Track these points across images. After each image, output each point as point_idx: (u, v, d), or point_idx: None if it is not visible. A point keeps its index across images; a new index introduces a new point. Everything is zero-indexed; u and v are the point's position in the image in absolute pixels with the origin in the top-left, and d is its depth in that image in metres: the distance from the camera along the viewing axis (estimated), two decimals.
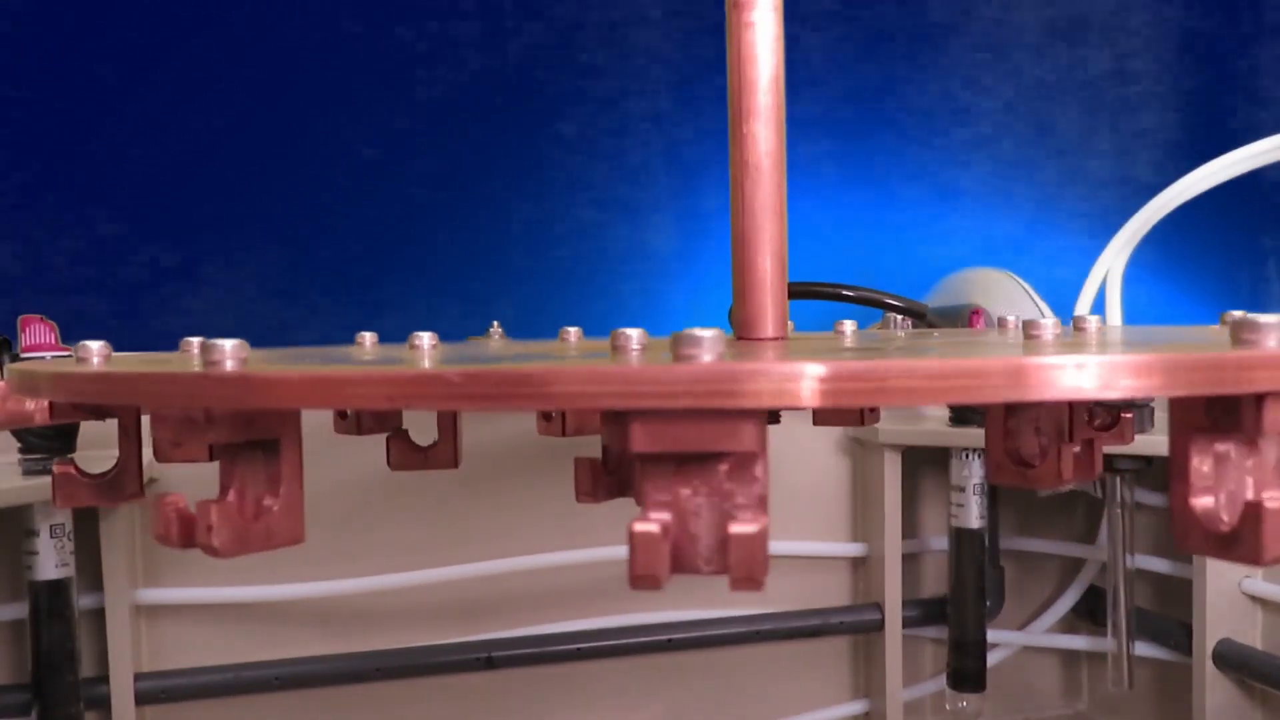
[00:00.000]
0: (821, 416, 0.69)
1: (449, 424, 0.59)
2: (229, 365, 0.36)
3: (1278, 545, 0.32)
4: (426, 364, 0.36)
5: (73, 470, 0.47)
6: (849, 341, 0.52)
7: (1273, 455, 0.35)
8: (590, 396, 0.30)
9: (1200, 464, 0.35)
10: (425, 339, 0.52)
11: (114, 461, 0.49)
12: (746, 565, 0.31)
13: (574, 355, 0.44)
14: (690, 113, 1.82)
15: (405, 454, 0.60)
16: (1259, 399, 0.32)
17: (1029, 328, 0.43)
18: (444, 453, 0.59)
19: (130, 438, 0.49)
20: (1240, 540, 0.33)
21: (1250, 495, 0.35)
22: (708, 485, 0.33)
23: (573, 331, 0.65)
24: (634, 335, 0.38)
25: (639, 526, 0.31)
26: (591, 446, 0.55)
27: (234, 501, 0.39)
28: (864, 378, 0.29)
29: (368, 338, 0.64)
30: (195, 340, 0.51)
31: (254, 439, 0.39)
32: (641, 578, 0.31)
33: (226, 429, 0.38)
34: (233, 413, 0.38)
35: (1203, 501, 0.35)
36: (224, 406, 0.36)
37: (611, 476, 0.50)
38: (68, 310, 1.58)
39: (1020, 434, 0.50)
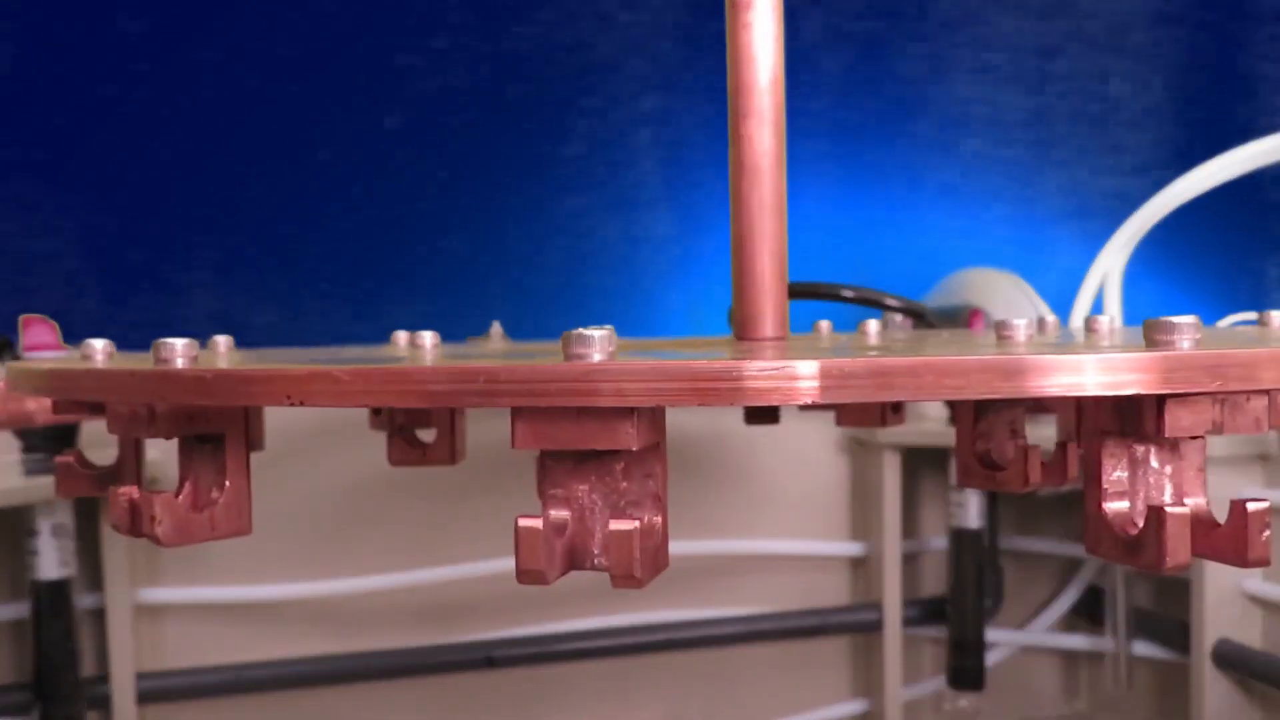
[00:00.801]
0: (844, 417, 0.69)
1: (447, 422, 0.59)
2: (179, 363, 0.38)
3: (1181, 551, 0.32)
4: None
5: (74, 461, 0.48)
6: (825, 342, 0.52)
7: (1193, 461, 0.35)
8: (472, 395, 0.31)
9: (1113, 468, 0.35)
10: (427, 338, 0.52)
11: (114, 459, 0.49)
12: (626, 562, 0.31)
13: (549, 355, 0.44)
14: (691, 112, 1.82)
15: (405, 451, 0.60)
16: (1159, 401, 0.32)
17: (1000, 328, 0.43)
18: (443, 450, 0.60)
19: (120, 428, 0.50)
20: (1144, 546, 0.33)
21: (1168, 500, 0.34)
22: (603, 483, 0.33)
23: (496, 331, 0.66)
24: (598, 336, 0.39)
25: (524, 522, 0.32)
26: None
27: (187, 494, 0.40)
28: (723, 377, 0.30)
29: (402, 336, 0.64)
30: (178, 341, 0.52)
31: (202, 434, 0.40)
32: (527, 573, 0.32)
33: (168, 424, 0.39)
34: (174, 409, 0.39)
35: (1115, 506, 0.34)
36: (173, 402, 0.38)
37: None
38: (68, 310, 1.58)
39: (993, 435, 0.49)
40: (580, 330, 0.32)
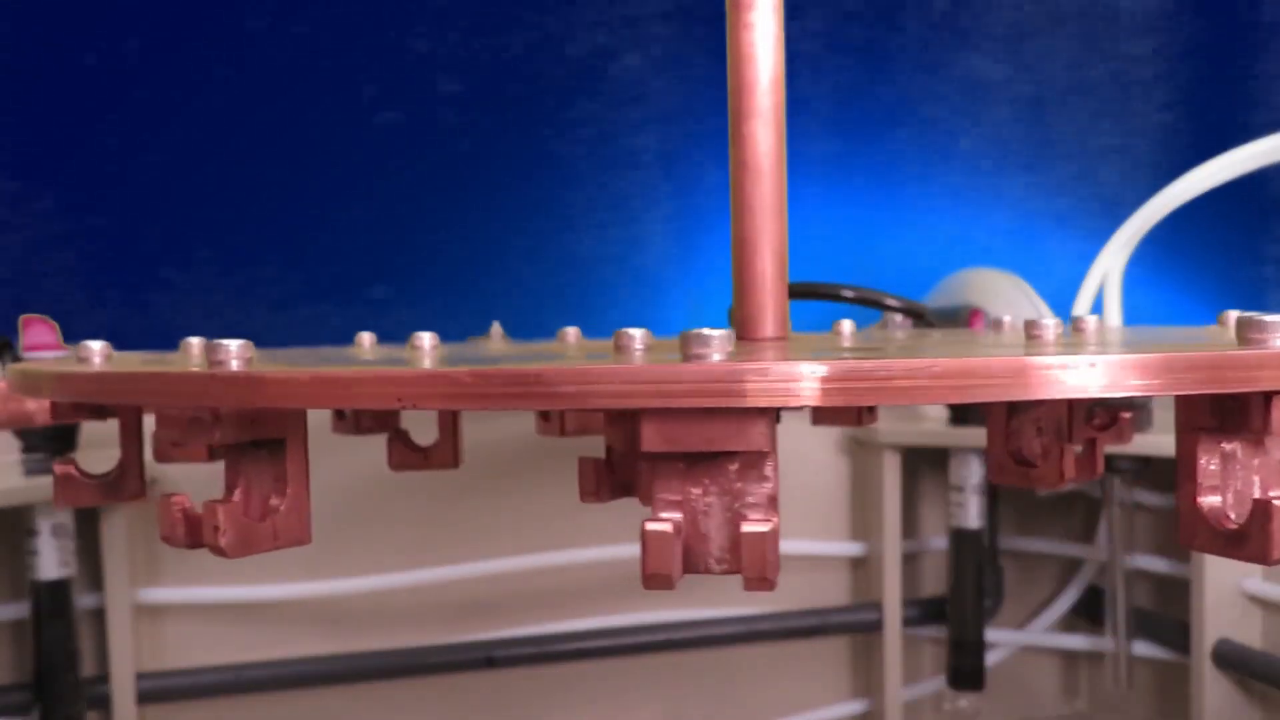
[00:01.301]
0: (821, 416, 0.69)
1: (449, 424, 0.59)
2: (234, 365, 0.36)
3: None
4: (428, 363, 0.36)
5: (73, 470, 0.46)
6: (847, 341, 0.52)
7: (1275, 455, 0.36)
8: (604, 396, 0.30)
9: (1207, 463, 0.35)
10: (426, 339, 0.52)
11: (115, 461, 0.49)
12: (759, 565, 0.31)
13: (576, 355, 0.44)
14: (691, 111, 1.82)
15: (406, 454, 0.59)
16: (1267, 397, 0.33)
17: (1030, 328, 0.43)
18: (444, 453, 0.59)
19: (132, 438, 0.48)
20: (1248, 538, 0.33)
21: (1258, 494, 0.35)
22: (717, 485, 0.33)
23: (571, 331, 0.64)
24: (637, 335, 0.38)
25: (651, 525, 0.31)
26: (594, 446, 0.55)
27: (240, 502, 0.38)
28: (866, 377, 0.29)
29: (366, 338, 0.64)
30: (195, 340, 0.51)
31: (259, 439, 0.39)
32: (654, 577, 0.31)
33: (233, 429, 0.38)
34: (238, 412, 0.38)
35: (1210, 500, 0.35)
36: (231, 406, 0.36)
37: (615, 476, 0.50)
38: (66, 311, 1.58)
39: (1022, 434, 0.50)
40: (700, 330, 0.31)
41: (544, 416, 0.63)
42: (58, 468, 0.46)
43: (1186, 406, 0.36)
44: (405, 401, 0.31)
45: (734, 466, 0.33)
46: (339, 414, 0.61)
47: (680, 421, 0.31)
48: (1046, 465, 0.49)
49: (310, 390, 0.32)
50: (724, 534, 0.33)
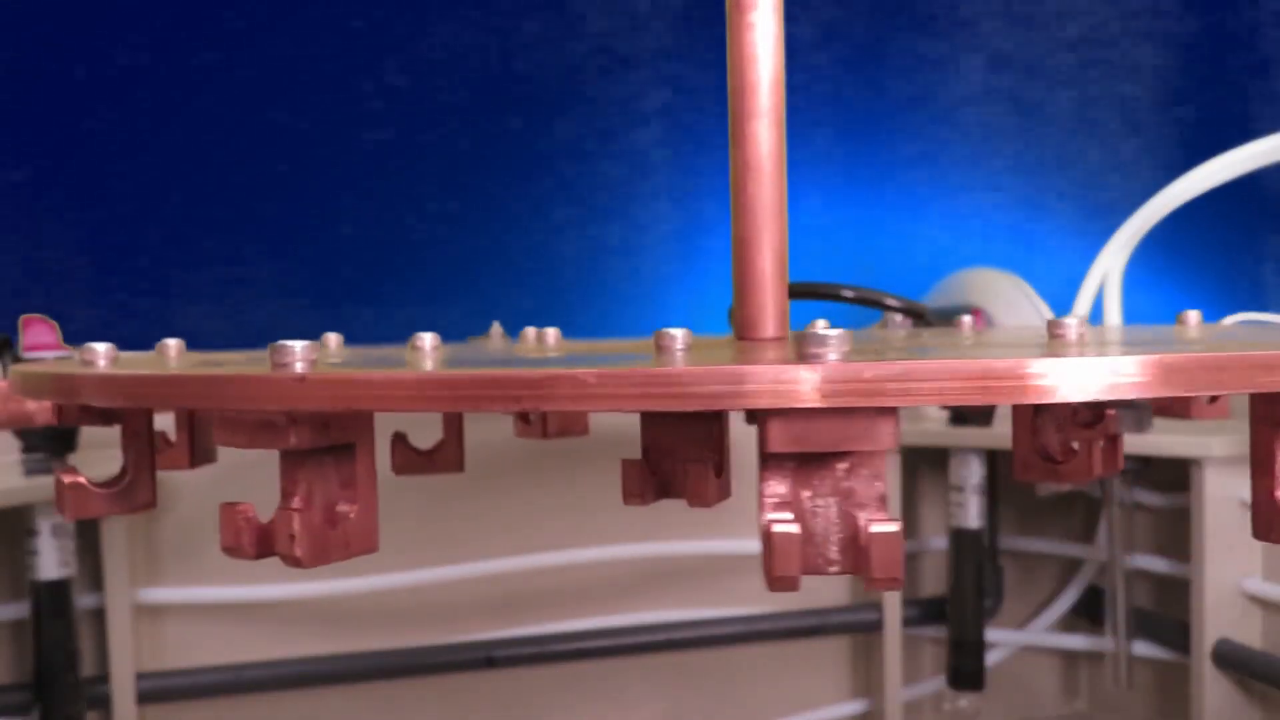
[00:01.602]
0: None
1: (454, 427, 0.58)
2: (299, 367, 0.34)
3: None
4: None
5: (82, 480, 0.44)
6: (899, 342, 0.51)
7: None
8: (741, 397, 0.29)
9: None
10: (427, 340, 0.52)
11: (119, 467, 0.47)
12: (890, 565, 0.31)
13: (634, 355, 0.43)
14: (691, 112, 1.82)
15: (409, 458, 0.58)
16: None
17: (1054, 327, 0.43)
18: (448, 456, 0.58)
19: (143, 444, 0.47)
20: None
21: None
22: (827, 485, 0.33)
23: (551, 332, 0.63)
24: (678, 335, 0.38)
25: (778, 527, 0.31)
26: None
27: (315, 510, 0.37)
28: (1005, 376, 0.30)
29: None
30: (295, 343, 0.49)
31: (332, 444, 0.37)
32: (780, 579, 0.31)
33: (309, 433, 0.36)
34: (313, 415, 0.36)
35: None
36: (317, 408, 0.33)
37: (655, 478, 0.49)
38: (66, 311, 1.58)
39: (1046, 431, 0.50)
40: (814, 330, 0.31)
41: (524, 419, 0.61)
42: (66, 478, 0.44)
43: (1263, 402, 0.36)
44: (525, 403, 0.30)
45: (844, 466, 0.33)
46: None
47: (810, 421, 0.31)
48: (1075, 460, 0.49)
49: (421, 394, 0.31)
50: (839, 534, 0.33)
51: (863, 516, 0.32)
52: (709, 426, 0.45)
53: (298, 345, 0.35)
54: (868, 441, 0.31)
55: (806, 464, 0.33)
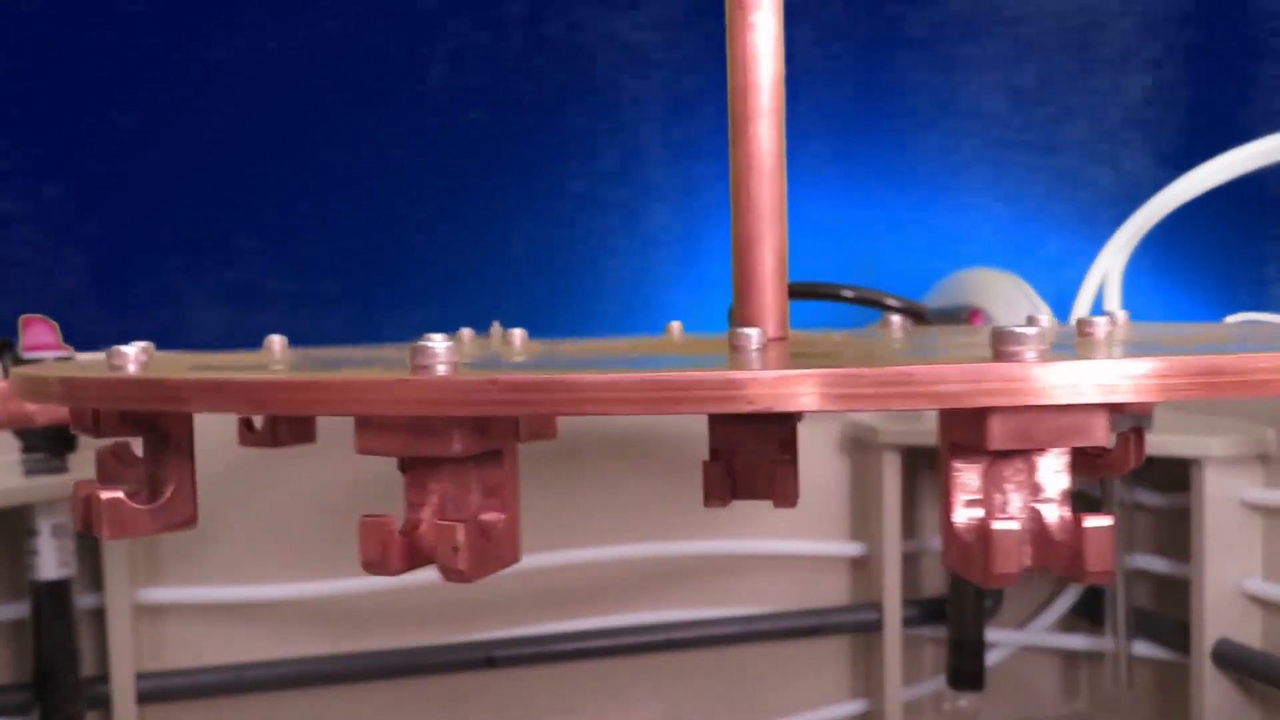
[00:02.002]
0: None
1: None
2: (441, 370, 0.33)
3: None
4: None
5: (121, 496, 0.41)
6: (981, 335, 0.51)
7: None
8: (980, 395, 0.30)
9: None
10: (516, 335, 0.51)
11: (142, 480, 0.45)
12: (1103, 558, 0.31)
13: (684, 351, 0.42)
14: (691, 112, 1.82)
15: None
16: None
17: (1083, 325, 0.44)
18: None
19: (184, 455, 0.44)
20: None
21: None
22: (1013, 480, 0.33)
23: (517, 334, 0.62)
24: (753, 335, 0.38)
25: (999, 525, 0.31)
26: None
27: (469, 519, 0.35)
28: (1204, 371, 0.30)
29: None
30: (439, 336, 0.47)
31: (486, 450, 0.35)
32: (1002, 576, 0.31)
33: (469, 438, 0.34)
34: (476, 420, 0.34)
35: None
36: (506, 412, 0.31)
37: (730, 479, 0.50)
38: (65, 311, 1.58)
39: None
40: (1011, 328, 0.31)
41: (250, 428, 0.57)
42: (104, 494, 0.40)
43: None
44: (755, 403, 0.30)
45: (1035, 460, 0.33)
46: (248, 425, 0.55)
47: (1034, 417, 0.31)
48: (1113, 454, 0.49)
49: (635, 395, 0.30)
50: (1032, 528, 0.33)
51: (1058, 511, 0.33)
52: (784, 427, 0.46)
53: (440, 346, 0.33)
54: (1083, 436, 0.31)
55: (999, 459, 0.33)
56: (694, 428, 1.16)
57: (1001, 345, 0.31)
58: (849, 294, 1.17)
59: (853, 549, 1.26)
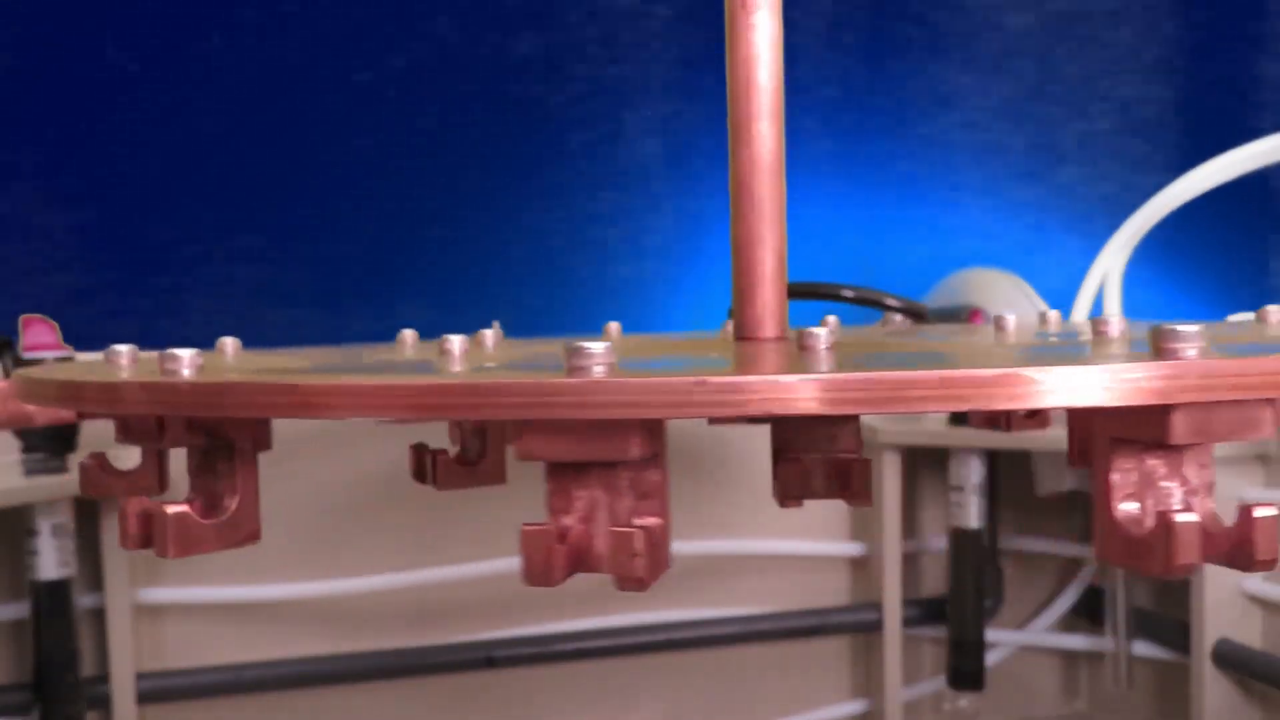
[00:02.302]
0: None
1: (497, 437, 0.54)
2: (597, 370, 0.32)
3: None
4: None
5: (188, 511, 0.39)
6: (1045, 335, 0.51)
7: None
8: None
9: None
10: (613, 327, 0.51)
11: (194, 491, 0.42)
12: (1271, 545, 0.31)
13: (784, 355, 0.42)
14: (690, 112, 1.82)
15: (455, 473, 0.54)
16: None
17: (1098, 324, 0.44)
18: (493, 468, 0.54)
19: (250, 467, 0.42)
20: None
21: None
22: (1173, 472, 0.34)
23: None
24: (821, 334, 0.38)
25: (1181, 517, 0.31)
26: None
27: (653, 525, 0.34)
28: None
29: (616, 327, 0.59)
30: (611, 331, 0.44)
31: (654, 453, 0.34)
32: (1182, 567, 0.31)
33: (646, 441, 0.33)
34: (651, 423, 0.33)
35: None
36: (709, 414, 0.30)
37: (805, 479, 0.49)
38: (68, 311, 1.58)
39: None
40: (1171, 325, 0.31)
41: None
42: (170, 509, 0.38)
43: None
44: (969, 403, 0.30)
45: (1194, 454, 0.33)
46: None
47: (1213, 412, 0.32)
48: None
49: (831, 395, 0.30)
50: (1204, 519, 0.33)
51: (1206, 501, 0.34)
52: (851, 426, 0.46)
53: (596, 346, 0.32)
54: (1254, 429, 0.32)
55: (1170, 453, 0.33)
56: (694, 427, 1.16)
57: (1164, 343, 0.31)
58: (849, 294, 1.17)
59: (853, 549, 1.26)
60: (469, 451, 0.54)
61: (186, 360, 0.38)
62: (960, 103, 1.89)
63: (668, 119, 1.84)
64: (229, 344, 0.54)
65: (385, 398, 0.32)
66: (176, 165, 1.70)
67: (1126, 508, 0.34)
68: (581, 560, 0.35)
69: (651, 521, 0.34)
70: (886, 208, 1.88)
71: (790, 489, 0.48)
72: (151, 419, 0.40)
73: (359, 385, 0.32)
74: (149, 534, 0.39)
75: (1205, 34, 1.90)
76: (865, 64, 1.89)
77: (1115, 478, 0.34)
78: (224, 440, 0.41)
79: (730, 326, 0.59)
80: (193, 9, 1.70)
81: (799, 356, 0.37)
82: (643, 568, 0.33)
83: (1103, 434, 0.34)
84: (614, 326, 0.67)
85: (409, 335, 0.60)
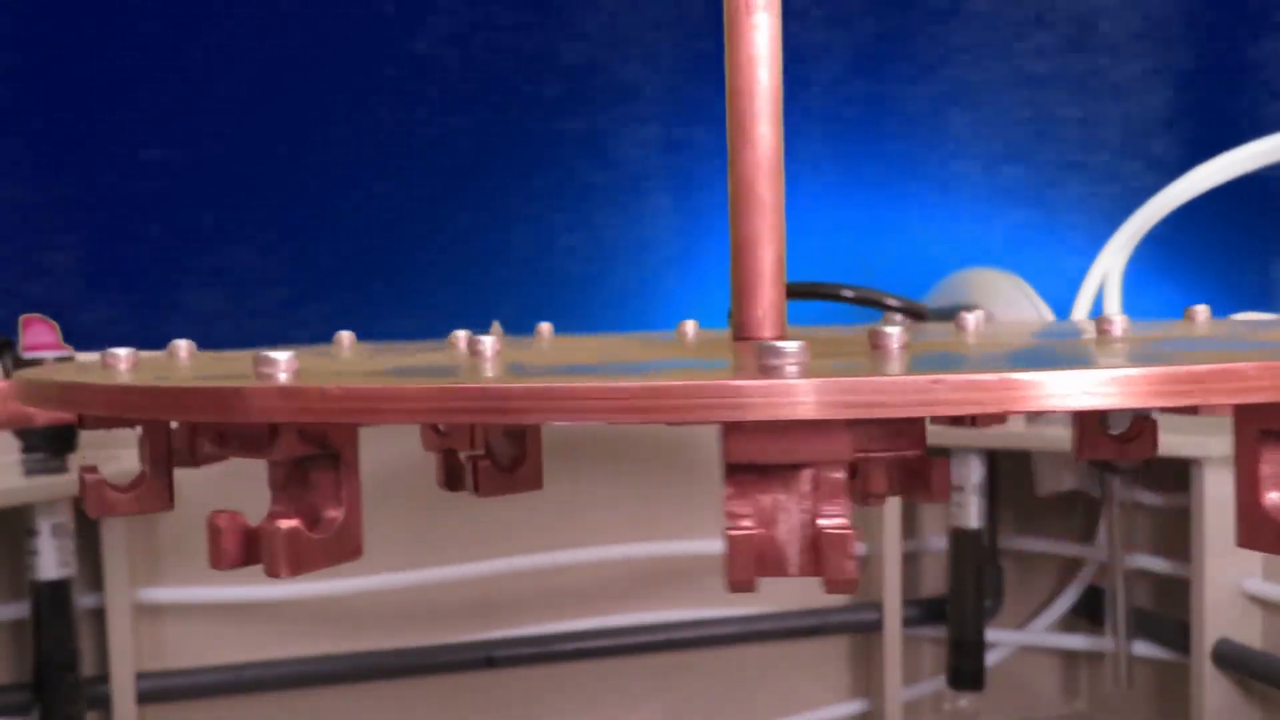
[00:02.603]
0: None
1: (534, 441, 0.52)
2: (791, 370, 0.31)
3: None
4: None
5: (298, 525, 0.37)
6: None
7: None
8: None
9: None
10: (462, 336, 0.51)
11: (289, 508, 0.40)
12: None
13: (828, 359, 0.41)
14: (690, 112, 1.82)
15: (495, 479, 0.52)
16: None
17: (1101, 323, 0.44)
18: (530, 473, 0.52)
19: (354, 477, 0.40)
20: None
21: None
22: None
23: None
24: (894, 334, 0.38)
25: None
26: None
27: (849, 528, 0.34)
28: None
29: (691, 326, 0.59)
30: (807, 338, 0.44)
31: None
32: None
33: (853, 440, 0.33)
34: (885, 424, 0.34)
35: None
36: (946, 413, 0.30)
37: (888, 479, 0.49)
38: (66, 311, 1.58)
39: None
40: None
41: (436, 430, 0.55)
42: (282, 523, 0.36)
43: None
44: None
45: None
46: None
47: None
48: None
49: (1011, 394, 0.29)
50: None
51: None
52: (917, 426, 0.45)
53: (792, 346, 0.31)
54: None
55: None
56: (694, 428, 1.16)
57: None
58: (849, 294, 1.17)
59: None
60: (502, 457, 0.53)
61: (283, 364, 0.36)
62: (962, 102, 1.89)
63: (669, 118, 1.83)
64: (344, 338, 0.53)
65: (600, 398, 0.30)
66: (178, 165, 1.70)
67: (1275, 497, 0.35)
68: (780, 564, 0.34)
69: (845, 522, 0.34)
70: (886, 208, 1.88)
71: (876, 489, 0.47)
72: (264, 427, 0.38)
73: (571, 388, 0.31)
74: (250, 552, 0.38)
75: (1206, 34, 1.90)
76: (866, 64, 1.89)
77: (1266, 469, 0.35)
78: (332, 450, 0.39)
79: (687, 327, 0.59)
80: (194, 10, 1.70)
81: (874, 356, 0.37)
82: (856, 569, 0.33)
83: (1249, 427, 0.35)
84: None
85: (461, 336, 0.58)
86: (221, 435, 0.40)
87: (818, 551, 0.33)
